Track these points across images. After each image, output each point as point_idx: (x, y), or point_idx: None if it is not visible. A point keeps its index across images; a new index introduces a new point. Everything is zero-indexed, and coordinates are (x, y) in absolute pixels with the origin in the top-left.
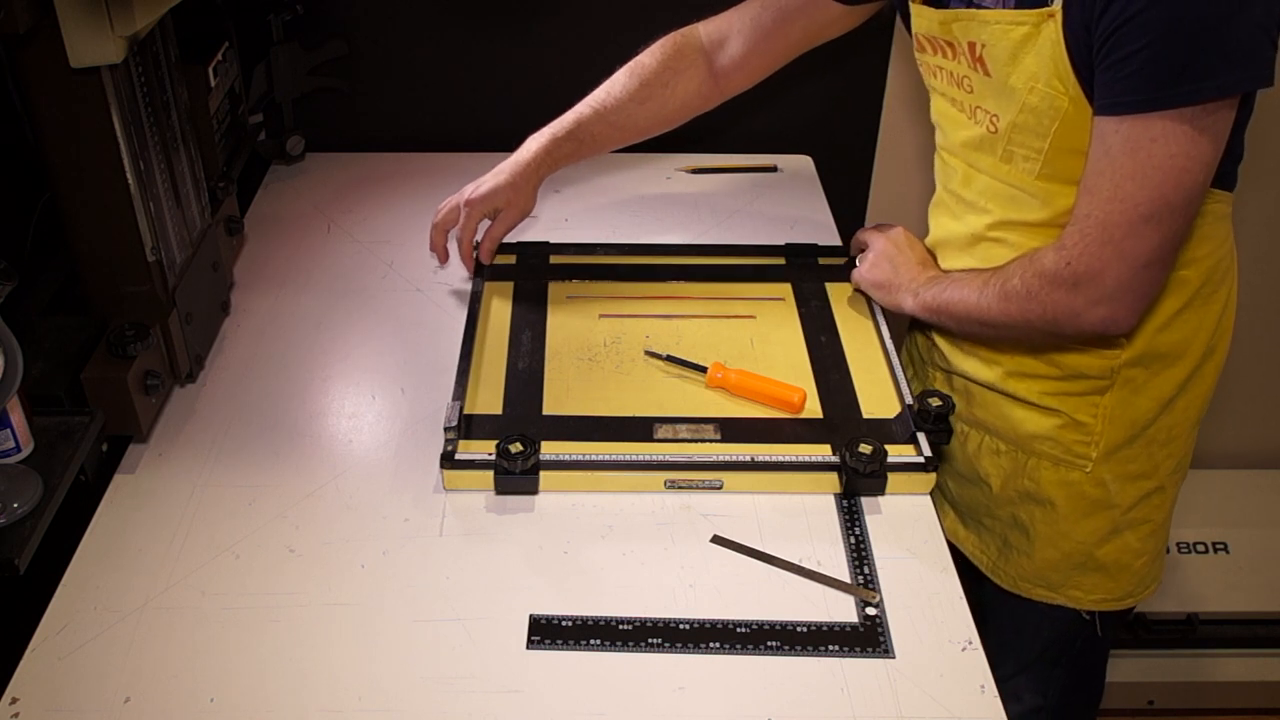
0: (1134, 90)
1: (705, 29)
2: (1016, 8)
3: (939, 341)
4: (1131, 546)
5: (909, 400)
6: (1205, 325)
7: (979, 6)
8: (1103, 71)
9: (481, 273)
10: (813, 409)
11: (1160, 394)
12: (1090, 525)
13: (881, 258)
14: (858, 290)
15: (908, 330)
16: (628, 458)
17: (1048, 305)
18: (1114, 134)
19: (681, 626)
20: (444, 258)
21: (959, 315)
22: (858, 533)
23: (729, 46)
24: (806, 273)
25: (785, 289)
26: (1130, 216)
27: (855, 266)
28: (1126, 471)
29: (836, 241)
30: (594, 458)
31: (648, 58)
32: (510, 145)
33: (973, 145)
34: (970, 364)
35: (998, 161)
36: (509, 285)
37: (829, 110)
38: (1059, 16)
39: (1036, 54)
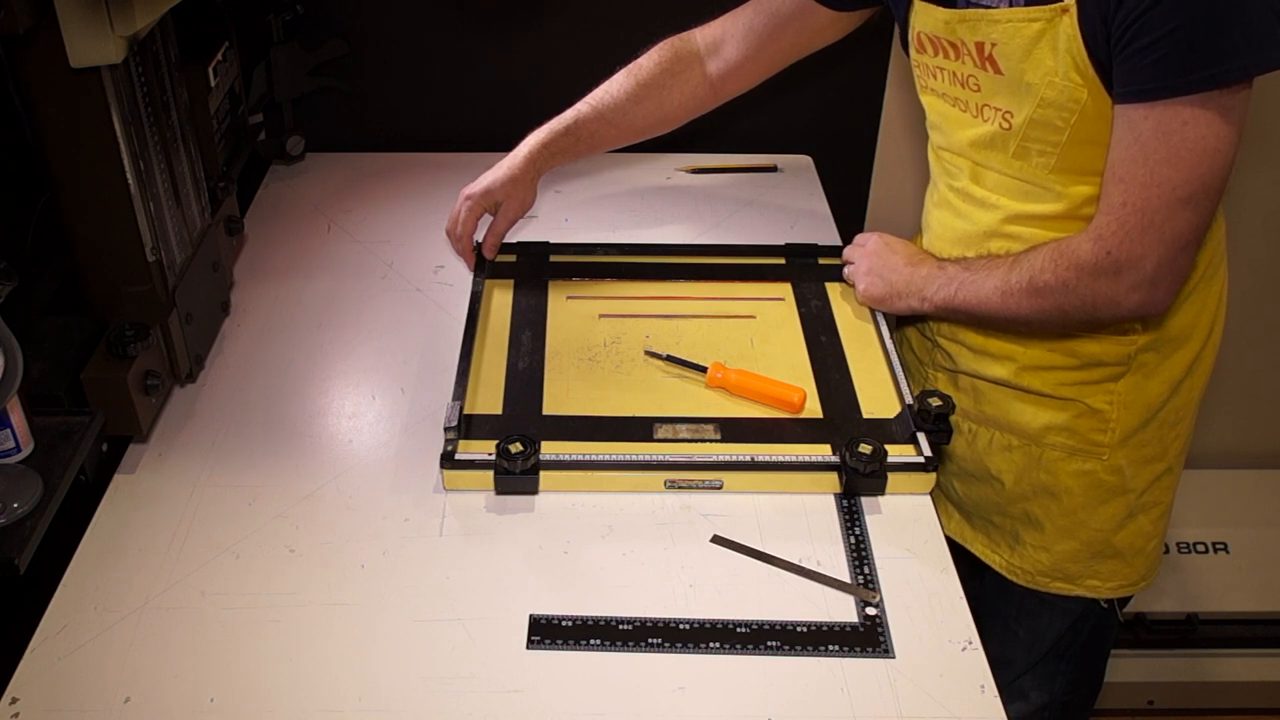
0: (1160, 76)
1: (701, 35)
2: (1027, 5)
3: (944, 344)
4: (1145, 529)
5: (909, 400)
6: (1208, 306)
7: (985, 6)
8: (1125, 60)
9: (481, 272)
10: (813, 409)
11: (1171, 376)
12: (1107, 512)
13: (870, 274)
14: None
15: (896, 328)
16: (628, 458)
17: (1086, 296)
18: (1143, 120)
19: (681, 626)
20: (470, 259)
21: (981, 315)
22: (858, 533)
23: (724, 52)
24: (806, 273)
25: (785, 289)
26: (1169, 200)
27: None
28: (1141, 455)
29: (836, 241)
30: (594, 458)
31: (646, 60)
32: (510, 145)
33: (982, 143)
34: (981, 363)
35: (1010, 158)
36: (509, 285)
37: (829, 110)
38: (1074, 11)
39: (1052, 49)
